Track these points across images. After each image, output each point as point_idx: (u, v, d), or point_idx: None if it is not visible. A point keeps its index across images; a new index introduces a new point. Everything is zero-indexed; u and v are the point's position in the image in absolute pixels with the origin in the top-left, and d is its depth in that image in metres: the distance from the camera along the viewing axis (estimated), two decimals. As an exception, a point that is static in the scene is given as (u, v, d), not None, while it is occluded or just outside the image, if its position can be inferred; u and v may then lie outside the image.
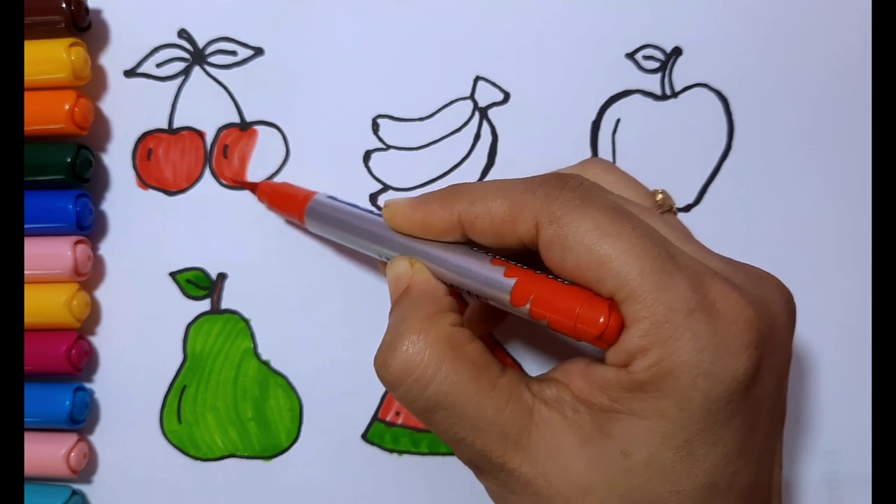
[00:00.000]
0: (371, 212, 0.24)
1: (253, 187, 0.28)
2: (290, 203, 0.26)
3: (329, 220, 0.25)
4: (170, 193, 0.28)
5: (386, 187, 0.28)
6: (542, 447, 0.19)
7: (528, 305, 0.19)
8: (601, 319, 0.18)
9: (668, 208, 0.23)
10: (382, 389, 0.28)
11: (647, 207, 0.21)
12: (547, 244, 0.19)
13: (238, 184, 0.28)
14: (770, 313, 0.19)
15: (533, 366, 0.28)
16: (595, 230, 0.18)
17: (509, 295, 0.19)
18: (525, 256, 0.20)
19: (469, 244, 0.21)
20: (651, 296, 0.18)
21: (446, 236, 0.21)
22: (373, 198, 0.28)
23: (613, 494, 0.18)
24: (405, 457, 0.28)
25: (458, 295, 0.22)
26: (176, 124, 0.28)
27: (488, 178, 0.27)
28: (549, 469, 0.19)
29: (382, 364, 0.20)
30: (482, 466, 0.20)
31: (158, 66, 0.28)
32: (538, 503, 0.19)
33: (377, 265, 0.28)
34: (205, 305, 0.28)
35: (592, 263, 0.18)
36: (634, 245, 0.18)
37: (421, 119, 0.28)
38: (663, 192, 0.23)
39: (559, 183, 0.20)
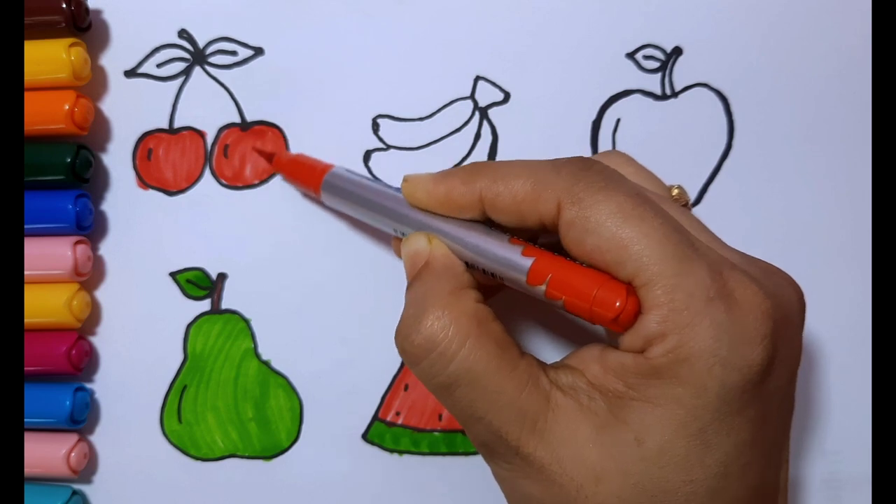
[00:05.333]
0: (389, 187, 0.24)
1: (269, 157, 0.27)
2: (306, 175, 0.26)
3: (345, 193, 0.24)
4: (170, 193, 0.28)
5: (386, 187, 0.28)
6: (558, 433, 0.19)
7: (544, 286, 0.19)
8: (618, 303, 0.18)
9: (683, 203, 0.23)
10: (383, 389, 0.28)
11: (666, 198, 0.21)
12: (568, 224, 0.19)
13: (256, 151, 0.27)
14: (784, 306, 0.19)
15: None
16: (618, 213, 0.18)
17: (526, 275, 0.19)
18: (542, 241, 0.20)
19: (487, 223, 0.21)
20: (671, 281, 0.18)
21: (466, 213, 0.21)
22: (373, 198, 0.28)
23: (626, 482, 0.18)
24: (405, 457, 0.28)
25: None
26: (176, 124, 0.28)
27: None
28: (563, 455, 0.19)
29: (406, 338, 0.20)
30: (496, 449, 0.20)
31: (159, 66, 0.28)
32: (550, 489, 0.19)
33: (379, 263, 0.28)
34: (205, 305, 0.28)
35: (613, 246, 0.18)
36: (657, 230, 0.18)
37: (421, 119, 0.28)
38: (679, 187, 0.24)
39: (584, 165, 0.20)
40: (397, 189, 0.23)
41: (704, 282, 0.18)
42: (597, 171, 0.19)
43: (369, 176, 0.24)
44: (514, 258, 0.20)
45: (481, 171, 0.20)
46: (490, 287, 0.22)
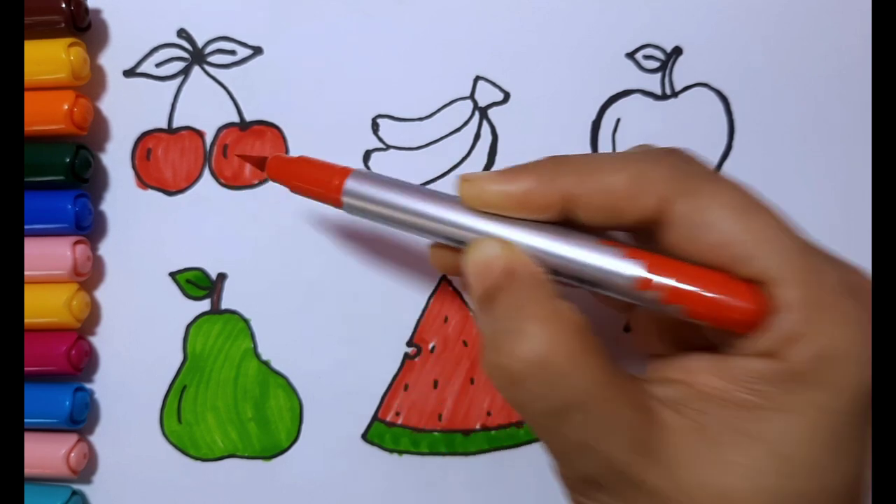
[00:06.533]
0: (422, 188, 0.21)
1: (259, 162, 0.24)
2: (320, 181, 0.22)
3: (377, 200, 0.21)
4: (169, 193, 0.28)
5: (386, 187, 0.28)
6: (674, 456, 0.17)
7: (657, 292, 0.17)
8: (748, 304, 0.16)
9: None
10: (382, 389, 0.28)
11: None
12: (680, 220, 0.17)
13: (243, 158, 0.26)
14: None
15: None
16: (736, 205, 0.17)
17: (635, 281, 0.17)
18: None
19: (565, 224, 0.19)
20: (807, 277, 0.16)
21: (542, 214, 0.18)
22: (373, 198, 0.28)
23: (759, 499, 0.16)
24: (405, 457, 0.28)
25: None
26: (175, 124, 0.28)
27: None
28: (683, 480, 0.17)
29: (507, 356, 0.17)
30: (603, 481, 0.17)
31: (158, 65, 0.28)
32: None
33: (379, 263, 0.27)
34: (205, 305, 0.28)
35: (738, 240, 0.16)
36: (777, 223, 0.17)
37: (421, 119, 0.27)
38: None
39: (684, 156, 0.18)
40: (432, 191, 0.20)
41: (840, 277, 0.17)
42: (699, 161, 0.18)
43: (394, 178, 0.21)
44: (616, 262, 0.18)
45: (564, 167, 0.18)
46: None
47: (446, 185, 0.27)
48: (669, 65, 0.27)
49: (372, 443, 0.28)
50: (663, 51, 0.27)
